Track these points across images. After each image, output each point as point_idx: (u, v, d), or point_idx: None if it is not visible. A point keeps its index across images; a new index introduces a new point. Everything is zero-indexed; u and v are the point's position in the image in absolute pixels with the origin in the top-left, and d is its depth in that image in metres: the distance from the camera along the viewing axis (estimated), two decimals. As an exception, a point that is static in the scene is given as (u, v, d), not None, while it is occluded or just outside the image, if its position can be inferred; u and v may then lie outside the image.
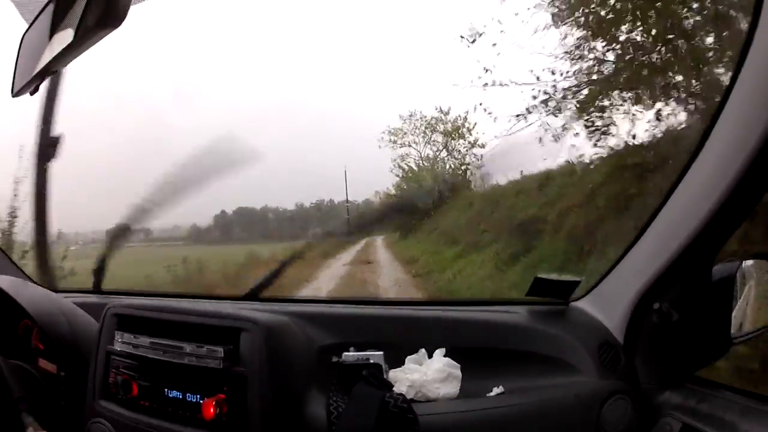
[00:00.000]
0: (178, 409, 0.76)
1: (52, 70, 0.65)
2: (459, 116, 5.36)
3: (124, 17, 0.49)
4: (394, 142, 5.54)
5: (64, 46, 0.57)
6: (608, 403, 0.78)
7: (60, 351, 0.88)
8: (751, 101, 0.59)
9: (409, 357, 0.85)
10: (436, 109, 5.51)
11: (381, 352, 0.83)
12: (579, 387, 0.80)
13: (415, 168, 5.59)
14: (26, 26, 0.69)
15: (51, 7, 0.61)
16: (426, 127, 5.51)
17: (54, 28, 0.60)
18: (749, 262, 0.78)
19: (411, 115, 5.54)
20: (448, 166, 5.57)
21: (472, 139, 5.23)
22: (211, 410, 0.71)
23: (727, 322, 0.73)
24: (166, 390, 0.77)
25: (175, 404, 0.76)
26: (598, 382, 0.80)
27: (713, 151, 0.66)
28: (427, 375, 0.80)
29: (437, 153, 5.55)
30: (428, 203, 5.51)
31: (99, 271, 1.18)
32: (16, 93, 0.74)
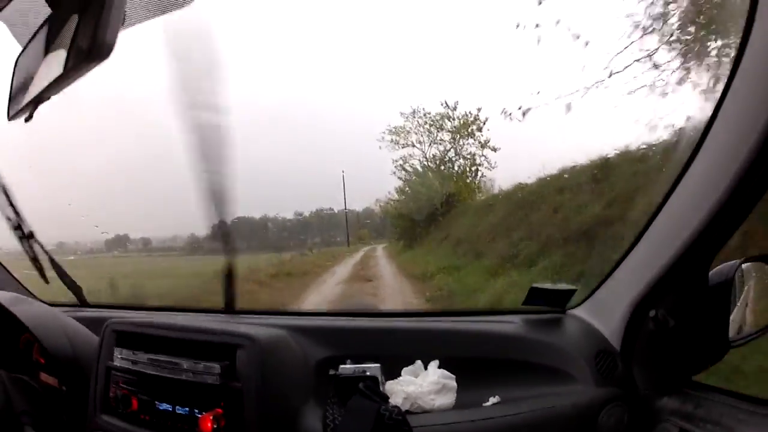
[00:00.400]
0: (177, 423, 0.79)
1: (46, 97, 0.68)
2: (469, 112, 4.98)
3: (111, 51, 0.52)
4: (396, 142, 5.12)
5: (55, 75, 0.60)
6: (605, 410, 0.80)
7: (60, 365, 0.91)
8: (746, 106, 0.60)
9: (405, 369, 0.87)
10: (442, 104, 5.14)
11: (378, 365, 0.85)
12: (576, 396, 0.82)
13: (420, 169, 5.19)
14: (20, 48, 0.73)
15: (44, 31, 0.65)
16: (431, 125, 5.15)
17: (47, 53, 0.63)
18: (747, 265, 0.79)
19: (414, 113, 5.16)
20: (456, 167, 5.18)
21: (483, 138, 4.85)
22: (209, 425, 0.74)
23: (725, 325, 0.74)
24: (164, 405, 0.80)
25: (174, 418, 0.79)
26: (594, 390, 0.82)
27: (708, 156, 0.67)
28: (423, 387, 0.82)
29: (445, 153, 5.17)
30: (436, 208, 5.07)
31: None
32: (11, 117, 0.77)
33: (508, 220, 4.04)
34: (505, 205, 4.33)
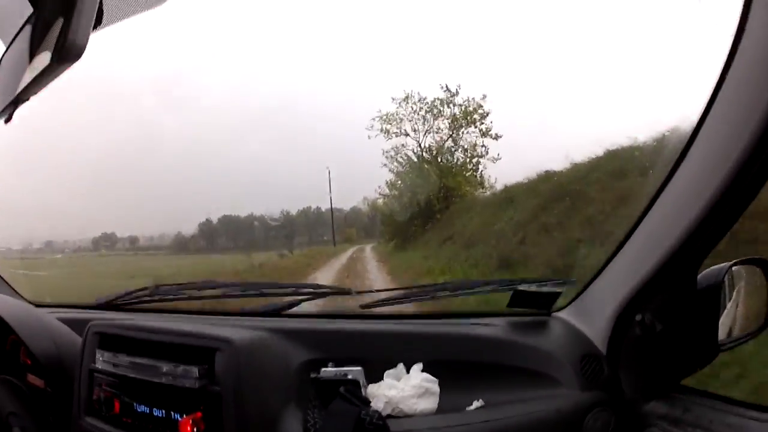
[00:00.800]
0: (158, 426, 0.79)
1: (25, 99, 0.69)
2: (471, 98, 4.30)
3: (82, 53, 0.53)
4: (387, 131, 4.53)
5: (31, 77, 0.61)
6: (591, 415, 0.80)
7: (45, 367, 0.92)
8: (737, 106, 0.60)
9: (387, 372, 0.87)
10: (442, 87, 4.52)
11: (360, 368, 0.85)
12: (561, 400, 0.82)
13: (415, 160, 4.65)
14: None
15: (26, 31, 0.66)
16: (427, 111, 4.57)
17: (26, 54, 0.65)
18: (737, 267, 0.78)
19: (407, 98, 4.57)
20: (455, 159, 4.60)
21: (484, 127, 4.35)
22: (188, 429, 0.75)
23: (714, 328, 0.74)
24: (146, 408, 0.81)
25: (155, 422, 0.80)
26: (580, 395, 0.81)
27: (698, 157, 0.67)
28: (405, 391, 0.82)
29: (442, 142, 4.60)
30: (433, 203, 4.55)
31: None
32: None
33: (543, 217, 3.05)
34: (531, 198, 3.38)
